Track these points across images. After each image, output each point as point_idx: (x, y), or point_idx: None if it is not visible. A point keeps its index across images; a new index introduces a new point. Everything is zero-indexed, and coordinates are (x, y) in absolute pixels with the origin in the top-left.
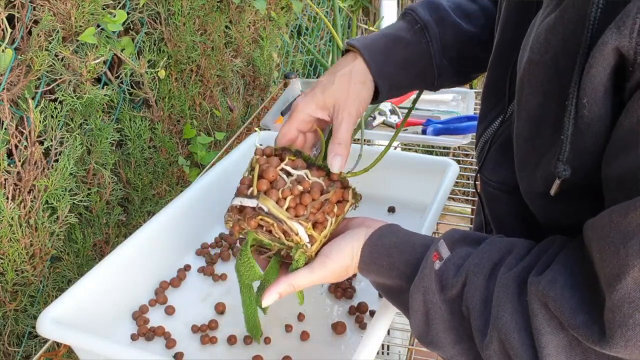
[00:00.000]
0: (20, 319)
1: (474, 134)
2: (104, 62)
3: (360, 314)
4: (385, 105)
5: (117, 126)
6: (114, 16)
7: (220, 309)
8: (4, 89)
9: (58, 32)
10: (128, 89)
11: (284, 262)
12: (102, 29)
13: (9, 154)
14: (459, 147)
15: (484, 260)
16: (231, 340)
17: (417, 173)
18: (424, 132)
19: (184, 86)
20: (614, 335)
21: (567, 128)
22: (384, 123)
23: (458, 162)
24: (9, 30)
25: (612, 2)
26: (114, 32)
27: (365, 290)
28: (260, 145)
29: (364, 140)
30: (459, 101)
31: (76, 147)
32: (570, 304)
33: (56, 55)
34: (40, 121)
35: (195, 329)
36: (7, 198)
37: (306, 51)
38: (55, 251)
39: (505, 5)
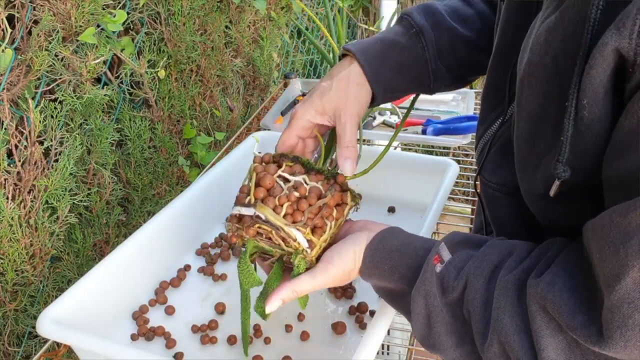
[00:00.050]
0: (20, 319)
1: (474, 134)
2: (104, 62)
3: (360, 314)
4: (386, 105)
5: (117, 126)
6: (114, 16)
7: (220, 309)
8: (4, 89)
9: (58, 32)
10: (128, 89)
11: (287, 268)
12: (102, 29)
13: (9, 154)
14: (459, 147)
15: (484, 262)
16: (231, 340)
17: (417, 173)
18: (424, 132)
19: (184, 86)
20: (612, 336)
21: (567, 129)
22: (384, 123)
23: (458, 162)
24: (9, 30)
25: (612, 3)
26: (114, 32)
27: (365, 290)
28: (259, 152)
29: (364, 140)
30: (459, 101)
31: (76, 147)
32: (569, 306)
33: (56, 55)
34: (40, 121)
35: (195, 329)
36: (7, 198)
37: (306, 51)
38: (55, 251)
39: (505, 6)
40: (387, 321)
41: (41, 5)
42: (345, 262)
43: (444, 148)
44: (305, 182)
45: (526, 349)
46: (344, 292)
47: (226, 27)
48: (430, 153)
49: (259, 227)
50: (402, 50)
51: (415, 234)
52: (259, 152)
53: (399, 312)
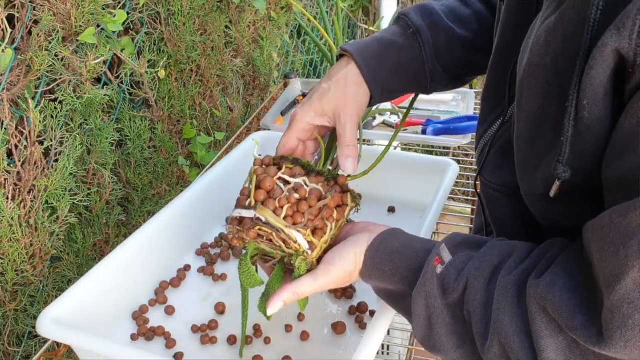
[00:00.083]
0: (20, 319)
1: (474, 134)
2: (104, 62)
3: (360, 314)
4: (385, 106)
5: (117, 126)
6: (114, 16)
7: (220, 309)
8: (4, 89)
9: (58, 32)
10: (128, 89)
11: (289, 269)
12: (102, 29)
13: (9, 154)
14: (459, 147)
15: (485, 263)
16: (231, 340)
17: (417, 173)
18: (424, 132)
19: (184, 86)
20: (612, 336)
21: (567, 130)
22: (384, 123)
23: (458, 162)
24: (9, 30)
25: (612, 3)
26: (114, 32)
27: (365, 291)
28: (260, 155)
29: (364, 140)
30: (459, 101)
31: (76, 147)
32: (569, 306)
33: (56, 55)
34: (40, 121)
35: (195, 329)
36: (7, 198)
37: (306, 51)
38: (55, 251)
39: (505, 7)
40: (387, 321)
41: (41, 5)
42: (346, 264)
43: (444, 148)
44: (306, 184)
45: (526, 350)
46: (344, 292)
47: (226, 27)
48: (430, 153)
49: (260, 229)
50: (400, 50)
51: (415, 234)
52: (259, 155)
53: (399, 314)
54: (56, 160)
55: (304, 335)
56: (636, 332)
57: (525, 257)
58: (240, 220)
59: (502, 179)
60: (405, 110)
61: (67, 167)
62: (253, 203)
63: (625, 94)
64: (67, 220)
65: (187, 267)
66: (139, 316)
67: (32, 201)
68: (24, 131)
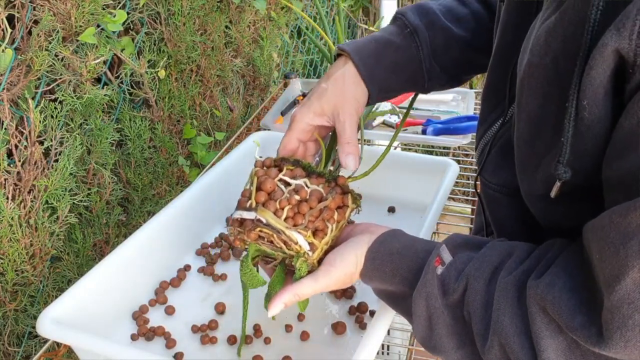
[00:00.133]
0: (20, 319)
1: (474, 134)
2: (104, 62)
3: (360, 314)
4: (386, 106)
5: (117, 126)
6: (114, 16)
7: (220, 309)
8: (4, 89)
9: (58, 32)
10: (128, 89)
11: (290, 271)
12: (102, 29)
13: (9, 154)
14: (459, 147)
15: (485, 264)
16: (231, 340)
17: (417, 173)
18: (424, 132)
19: (184, 86)
20: (612, 337)
21: (567, 130)
22: (384, 123)
23: (458, 162)
24: (9, 30)
25: (612, 3)
26: (114, 32)
27: (365, 291)
28: (260, 157)
29: (364, 140)
30: (459, 101)
31: (76, 147)
32: (568, 306)
33: (56, 55)
34: (40, 121)
35: (195, 329)
36: (7, 198)
37: (306, 51)
38: (55, 251)
39: (505, 7)
40: (387, 321)
41: (41, 5)
42: (347, 265)
43: (444, 148)
44: (306, 186)
45: (526, 350)
46: (344, 292)
47: (226, 27)
48: (430, 153)
49: (261, 231)
50: (397, 49)
51: (415, 234)
52: (260, 156)
53: (400, 314)
54: (56, 160)
55: (304, 335)
56: (636, 333)
57: (525, 257)
58: (241, 222)
59: (502, 180)
60: (405, 110)
61: (67, 167)
62: (254, 204)
63: (625, 94)
64: (67, 220)
65: (187, 267)
66: (139, 316)
67: (32, 201)
68: (24, 131)
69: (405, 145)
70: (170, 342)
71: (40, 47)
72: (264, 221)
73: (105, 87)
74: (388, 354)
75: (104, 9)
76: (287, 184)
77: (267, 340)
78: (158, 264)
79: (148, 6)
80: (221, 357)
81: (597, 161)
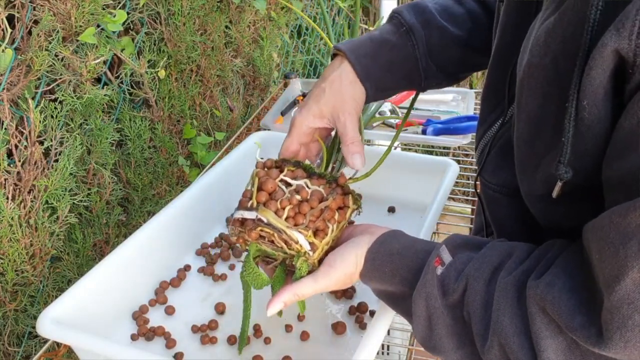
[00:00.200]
0: (20, 319)
1: (474, 134)
2: (104, 62)
3: (360, 314)
4: (386, 105)
5: (117, 126)
6: (114, 16)
7: (220, 309)
8: (4, 89)
9: (58, 32)
10: (128, 89)
11: (290, 271)
12: (102, 29)
13: (9, 154)
14: (459, 147)
15: (484, 264)
16: (231, 340)
17: (417, 173)
18: (424, 132)
19: (184, 86)
20: (612, 337)
21: (567, 130)
22: (384, 123)
23: (458, 162)
24: (9, 30)
25: (612, 3)
26: (114, 32)
27: (365, 291)
28: (262, 158)
29: (364, 140)
30: (459, 101)
31: (76, 147)
32: (568, 307)
33: (56, 55)
34: (40, 121)
35: (195, 329)
36: (7, 198)
37: (306, 51)
38: (55, 251)
39: (505, 8)
40: (387, 321)
41: (41, 5)
42: (347, 266)
43: (444, 148)
44: (307, 186)
45: (526, 351)
46: (344, 292)
47: (226, 27)
48: (430, 153)
49: (262, 230)
50: (393, 48)
51: (415, 234)
52: (261, 158)
53: (400, 315)
54: (56, 160)
55: (304, 335)
56: (636, 333)
57: (525, 257)
58: (242, 222)
59: (502, 180)
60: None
61: (67, 167)
62: (255, 204)
63: (625, 94)
64: (67, 220)
65: (187, 267)
66: (139, 316)
67: (32, 201)
68: (24, 131)
69: (405, 145)
70: (170, 342)
71: (40, 47)
72: (265, 221)
73: (105, 87)
74: (388, 354)
75: (104, 9)
76: (288, 185)
77: (267, 340)
78: (158, 264)
79: (148, 6)
80: (221, 357)
81: (597, 161)
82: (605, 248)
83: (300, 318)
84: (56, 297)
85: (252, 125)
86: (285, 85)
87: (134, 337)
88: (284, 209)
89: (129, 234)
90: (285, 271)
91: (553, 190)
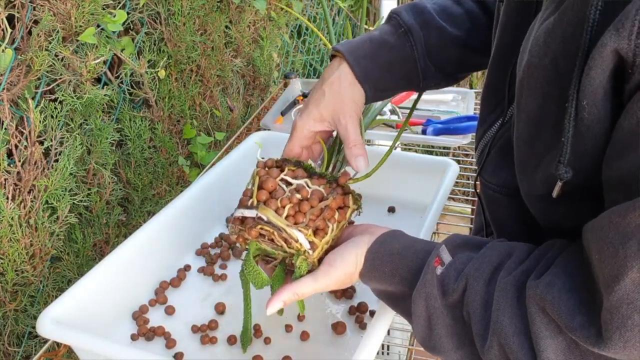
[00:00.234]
0: (20, 319)
1: (474, 134)
2: (104, 62)
3: (360, 314)
4: (386, 106)
5: (117, 126)
6: (114, 16)
7: (220, 309)
8: (4, 89)
9: (58, 32)
10: (128, 89)
11: (289, 271)
12: (102, 29)
13: (9, 154)
14: (459, 147)
15: (484, 264)
16: (231, 340)
17: (417, 173)
18: (424, 132)
19: (184, 86)
20: (612, 337)
21: (567, 130)
22: (384, 123)
23: (458, 162)
24: (9, 30)
25: (611, 3)
26: (114, 32)
27: (365, 291)
28: (262, 158)
29: (364, 140)
30: (459, 101)
31: (76, 147)
32: (568, 307)
33: (56, 55)
34: (40, 121)
35: (195, 329)
36: (7, 198)
37: (306, 51)
38: (55, 251)
39: (504, 8)
40: (387, 321)
41: (41, 5)
42: (347, 266)
43: (444, 148)
44: (308, 186)
45: (526, 350)
46: (344, 292)
47: (226, 27)
48: (430, 153)
49: (262, 229)
50: (391, 49)
51: (415, 234)
52: (262, 157)
53: (399, 315)
54: (56, 160)
55: (304, 335)
56: (635, 333)
57: (525, 257)
58: (242, 220)
59: (502, 180)
60: (406, 110)
61: (67, 167)
62: (255, 203)
63: (625, 94)
64: (67, 220)
65: (187, 267)
66: (139, 316)
67: (32, 201)
68: (24, 131)
69: (405, 145)
70: (170, 342)
71: (40, 47)
72: (265, 219)
73: (105, 87)
74: (388, 354)
75: (104, 9)
76: (289, 184)
77: (267, 340)
78: (158, 264)
79: (148, 6)
80: (221, 357)
81: (597, 161)
82: (605, 248)
83: (300, 318)
84: (56, 297)
85: (252, 125)
86: (285, 85)
87: (134, 337)
88: (284, 207)
89: (129, 234)
90: (285, 270)
91: (553, 190)
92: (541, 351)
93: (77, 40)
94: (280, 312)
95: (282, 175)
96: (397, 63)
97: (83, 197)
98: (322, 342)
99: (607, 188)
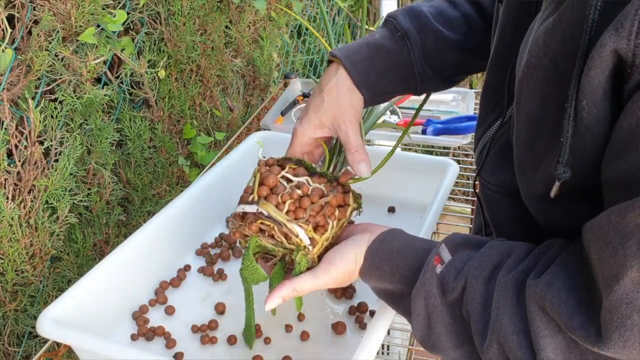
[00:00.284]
0: (20, 319)
1: (474, 134)
2: (104, 62)
3: (360, 314)
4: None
5: (117, 126)
6: (114, 16)
7: (220, 309)
8: (4, 89)
9: (58, 32)
10: (128, 89)
11: (289, 269)
12: (102, 29)
13: (9, 154)
14: (459, 147)
15: (484, 263)
16: (231, 340)
17: (417, 173)
18: (424, 132)
19: (184, 86)
20: (611, 337)
21: (566, 130)
22: (384, 122)
23: (458, 162)
24: (9, 30)
25: (611, 3)
26: (114, 32)
27: (365, 290)
28: (263, 157)
29: (365, 141)
30: (459, 101)
31: (76, 147)
32: (567, 306)
33: (56, 55)
34: (40, 121)
35: (195, 329)
36: (7, 198)
37: (306, 51)
38: (55, 251)
39: (503, 8)
40: (387, 321)
41: (41, 5)
42: (346, 264)
43: (444, 148)
44: (308, 183)
45: (525, 349)
46: (344, 292)
47: (226, 27)
48: (430, 153)
49: (262, 223)
50: (388, 54)
51: (415, 234)
52: (263, 157)
53: (399, 314)
54: (56, 160)
55: (304, 335)
56: (634, 332)
57: (525, 257)
58: (243, 216)
59: (501, 180)
60: (405, 111)
61: (67, 167)
62: (256, 198)
63: (624, 94)
64: (67, 220)
65: (187, 267)
66: (139, 316)
67: (32, 201)
68: (24, 131)
69: (405, 145)
70: (170, 342)
71: (40, 47)
72: (266, 214)
73: (105, 87)
74: (388, 354)
75: (104, 9)
76: (289, 181)
77: (267, 340)
78: (158, 264)
79: (148, 6)
80: (221, 357)
81: (596, 161)
82: (604, 248)
83: (300, 318)
84: (56, 297)
85: (252, 125)
86: (285, 85)
87: (134, 337)
88: (284, 202)
89: (129, 234)
90: (285, 269)
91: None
92: (540, 350)
93: (77, 40)
94: (273, 311)
95: (283, 173)
96: (394, 67)
97: (83, 197)
98: (322, 342)
99: (606, 188)
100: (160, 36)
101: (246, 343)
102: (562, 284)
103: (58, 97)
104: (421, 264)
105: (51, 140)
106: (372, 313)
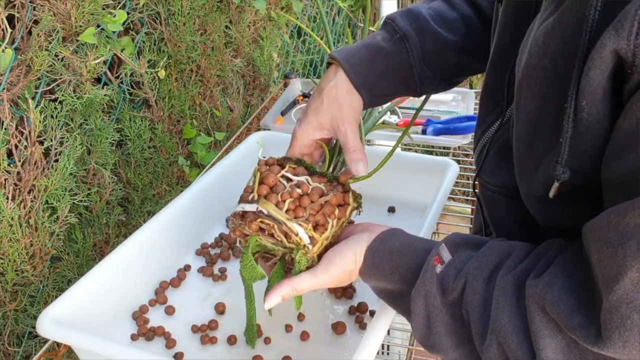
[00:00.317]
0: (20, 319)
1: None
2: (104, 62)
3: (360, 314)
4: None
5: (117, 126)
6: (114, 16)
7: (220, 309)
8: (4, 89)
9: (58, 32)
10: (128, 89)
11: (289, 269)
12: (102, 29)
13: (9, 154)
14: (459, 147)
15: (484, 263)
16: (231, 340)
17: (417, 173)
18: (424, 132)
19: (184, 86)
20: (611, 337)
21: (566, 130)
22: (384, 123)
23: (458, 162)
24: (9, 30)
25: (610, 4)
26: (114, 32)
27: (365, 290)
28: (264, 157)
29: (364, 141)
30: (459, 101)
31: (76, 147)
32: (567, 306)
33: (56, 55)
34: (40, 121)
35: (195, 329)
36: (7, 198)
37: (306, 51)
38: (55, 251)
39: (503, 8)
40: (387, 321)
41: (41, 5)
42: (346, 263)
43: (444, 148)
44: (308, 182)
45: (525, 349)
46: (344, 292)
47: (226, 27)
48: (430, 153)
49: (262, 222)
50: (387, 56)
51: (415, 234)
52: (263, 157)
53: (399, 313)
54: (56, 160)
55: (304, 335)
56: (634, 332)
57: (525, 257)
58: (243, 215)
59: (501, 180)
60: (406, 111)
61: (67, 167)
62: (256, 197)
63: (624, 95)
64: (67, 220)
65: (187, 267)
66: (139, 316)
67: (32, 201)
68: (24, 131)
69: (405, 145)
70: (170, 342)
71: (40, 47)
72: (266, 212)
73: (105, 87)
74: (388, 354)
75: (104, 9)
76: (289, 180)
77: (267, 340)
78: (158, 264)
79: (148, 6)
80: (221, 357)
81: (596, 162)
82: (604, 248)
83: (300, 318)
84: (56, 297)
85: (252, 125)
86: (285, 85)
87: (134, 337)
88: (284, 201)
89: (129, 234)
90: (284, 268)
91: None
92: (540, 350)
93: (77, 40)
94: (270, 312)
95: (283, 172)
96: (393, 69)
97: (83, 197)
98: (322, 342)
99: (606, 188)
100: (160, 36)
101: (248, 343)
102: (562, 284)
103: (58, 97)
104: (421, 263)
105: (51, 140)
106: (372, 313)
